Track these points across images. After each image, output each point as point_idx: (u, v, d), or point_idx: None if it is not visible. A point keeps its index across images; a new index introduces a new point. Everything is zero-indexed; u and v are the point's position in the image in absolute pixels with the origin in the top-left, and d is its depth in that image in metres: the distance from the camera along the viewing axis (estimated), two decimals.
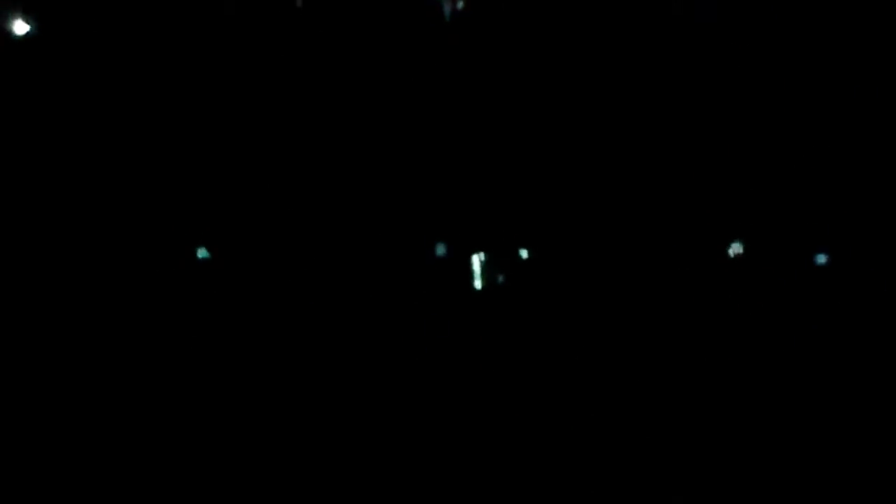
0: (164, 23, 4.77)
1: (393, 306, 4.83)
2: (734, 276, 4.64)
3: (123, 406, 4.68)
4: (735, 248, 4.60)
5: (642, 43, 4.64)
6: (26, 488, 4.51)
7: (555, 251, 4.74)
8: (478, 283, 4.86)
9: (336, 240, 4.85)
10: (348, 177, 4.81)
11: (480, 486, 4.48)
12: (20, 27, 4.78)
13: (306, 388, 4.73)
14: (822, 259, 4.52)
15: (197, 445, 4.62)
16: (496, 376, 4.70)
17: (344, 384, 4.72)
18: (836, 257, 4.54)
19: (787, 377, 4.50)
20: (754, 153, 4.64)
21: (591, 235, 4.70)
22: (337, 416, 4.67)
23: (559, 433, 4.55)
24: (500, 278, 4.81)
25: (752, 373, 4.53)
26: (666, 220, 4.64)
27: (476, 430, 4.59)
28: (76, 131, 4.83)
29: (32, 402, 4.69)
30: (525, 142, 4.71)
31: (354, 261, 4.85)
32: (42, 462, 4.56)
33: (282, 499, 4.54)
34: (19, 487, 4.50)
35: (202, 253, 4.79)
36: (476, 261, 4.86)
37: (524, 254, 4.79)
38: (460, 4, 4.60)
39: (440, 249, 4.75)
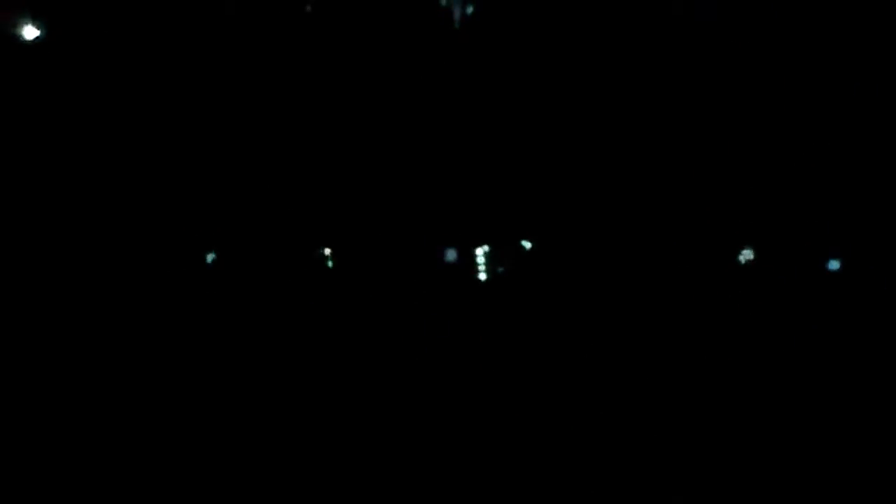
0: (172, 27, 4.80)
1: (397, 299, 4.94)
2: (736, 269, 4.69)
3: (124, 406, 4.74)
4: (746, 255, 4.66)
5: (645, 44, 4.72)
6: (26, 488, 4.56)
7: (559, 246, 4.85)
8: (482, 276, 5.00)
9: (341, 234, 4.94)
10: (355, 173, 4.89)
11: (481, 485, 4.52)
12: (30, 32, 4.77)
13: (310, 384, 4.81)
14: (834, 265, 4.56)
15: (199, 445, 4.68)
16: (499, 369, 4.78)
17: (348, 379, 4.81)
18: (847, 263, 4.56)
19: (789, 378, 4.54)
20: (762, 154, 4.70)
21: (597, 233, 4.81)
22: (341, 411, 4.75)
23: (560, 430, 4.60)
24: (504, 270, 4.93)
25: (753, 370, 4.57)
26: (667, 217, 4.71)
27: (478, 424, 4.66)
28: (85, 133, 4.86)
29: (34, 402, 4.72)
30: (532, 140, 4.80)
31: (359, 255, 4.95)
32: (42, 462, 4.61)
33: (283, 498, 4.59)
34: (19, 488, 4.54)
35: (210, 257, 4.86)
36: (480, 254, 4.99)
37: (527, 246, 4.92)
38: (469, 10, 4.68)
39: (450, 255, 4.86)
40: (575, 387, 4.69)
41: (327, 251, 4.93)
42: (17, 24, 4.75)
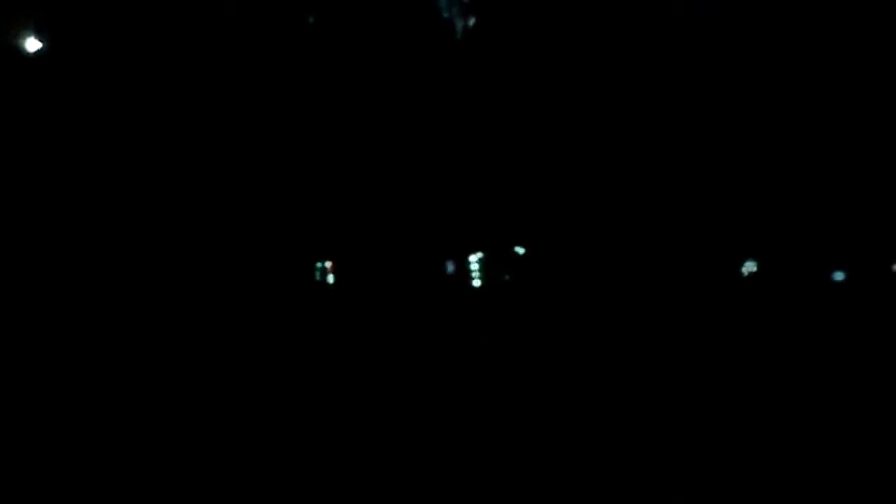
0: (175, 44, 4.81)
1: (395, 304, 5.00)
2: (740, 279, 4.77)
3: (126, 406, 4.75)
4: (749, 267, 4.73)
5: (646, 53, 4.79)
6: (26, 488, 4.53)
7: (559, 254, 4.93)
8: (477, 282, 5.09)
9: (338, 240, 5.00)
10: (355, 179, 4.95)
11: (481, 484, 4.51)
12: (32, 44, 4.77)
13: (310, 383, 4.85)
14: (839, 276, 4.61)
15: (200, 444, 4.67)
16: (496, 372, 4.84)
17: (348, 380, 4.85)
18: (852, 274, 4.61)
19: (793, 384, 4.57)
20: (766, 165, 4.77)
21: (600, 243, 4.89)
22: (342, 411, 4.77)
23: (559, 431, 4.62)
24: (501, 277, 5.03)
25: (757, 376, 4.62)
26: (668, 224, 4.84)
27: (476, 425, 4.68)
28: (88, 137, 4.86)
29: (35, 402, 4.72)
30: (534, 148, 4.89)
31: (357, 261, 5.01)
32: (42, 462, 4.58)
33: (284, 498, 4.56)
34: (19, 487, 4.53)
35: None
36: (474, 260, 5.08)
37: (524, 252, 5.01)
38: (472, 22, 4.76)
39: (450, 267, 4.94)
40: (576, 389, 4.75)
41: (328, 264, 4.98)
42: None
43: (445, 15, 4.78)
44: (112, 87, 4.83)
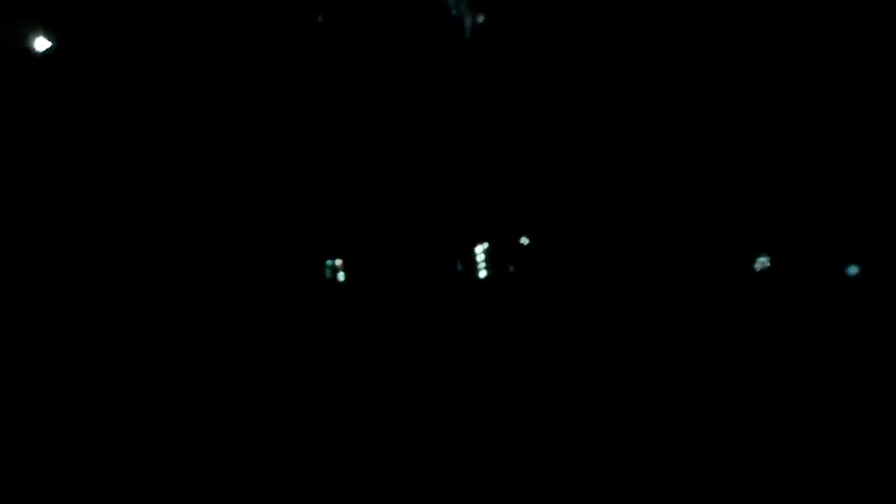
0: (183, 46, 4.82)
1: (401, 297, 5.07)
2: (752, 273, 4.82)
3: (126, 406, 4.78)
4: (762, 262, 4.78)
5: (653, 51, 4.86)
6: (26, 488, 4.56)
7: (566, 247, 5.02)
8: (482, 273, 5.17)
9: (346, 233, 5.05)
10: (363, 174, 5.00)
11: (482, 483, 4.56)
12: (41, 44, 4.76)
13: (312, 381, 4.90)
14: (853, 270, 4.65)
15: (200, 444, 4.72)
16: (499, 365, 4.90)
17: (353, 374, 4.91)
18: (866, 268, 4.64)
19: (806, 381, 4.59)
20: (778, 160, 4.83)
21: (598, 230, 5.01)
22: (345, 407, 4.83)
23: (561, 427, 4.67)
24: (506, 268, 5.11)
25: (768, 372, 4.64)
26: (676, 219, 4.90)
27: (479, 420, 4.74)
28: (95, 137, 4.87)
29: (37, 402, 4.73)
30: (546, 144, 4.96)
31: (367, 255, 5.07)
32: (42, 462, 4.62)
33: (284, 498, 4.62)
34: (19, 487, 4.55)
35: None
36: (480, 251, 5.15)
37: (528, 242, 5.10)
38: (480, 19, 4.82)
39: (457, 261, 5.01)
40: (581, 384, 4.80)
41: (338, 261, 5.03)
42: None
43: (454, 12, 4.83)
44: (118, 87, 4.82)
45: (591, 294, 5.01)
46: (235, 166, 4.96)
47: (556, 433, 4.65)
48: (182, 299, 4.92)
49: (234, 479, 4.65)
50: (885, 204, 4.72)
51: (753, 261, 4.85)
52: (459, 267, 5.15)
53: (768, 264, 4.82)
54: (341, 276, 5.08)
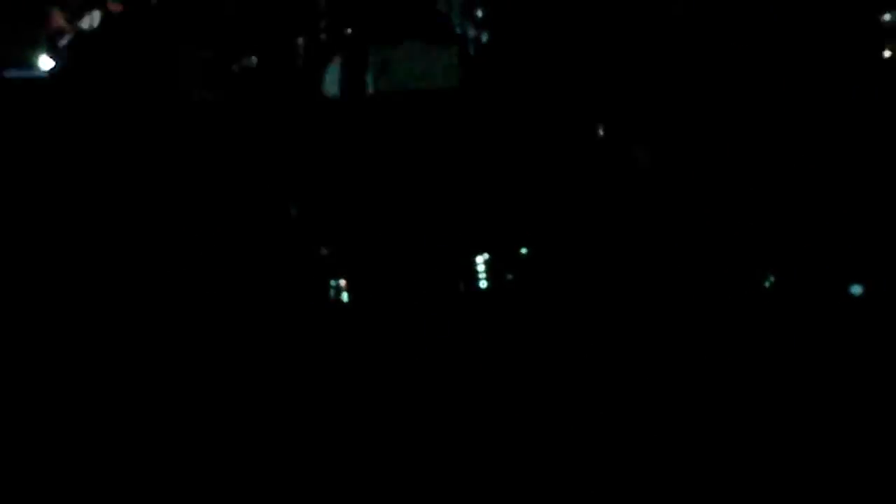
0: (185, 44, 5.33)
1: (403, 305, 5.25)
2: (760, 291, 4.83)
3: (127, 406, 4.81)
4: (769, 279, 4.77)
5: (658, 62, 5.08)
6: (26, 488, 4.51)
7: (561, 254, 5.20)
8: (483, 283, 5.37)
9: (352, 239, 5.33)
10: (367, 183, 5.30)
11: (482, 482, 4.38)
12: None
13: (312, 383, 4.89)
14: (857, 289, 4.61)
15: (199, 444, 4.61)
16: (500, 371, 4.86)
17: (354, 379, 4.88)
18: (870, 287, 4.59)
19: (812, 398, 4.48)
20: (783, 177, 4.88)
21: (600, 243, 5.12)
22: (345, 410, 4.74)
23: (561, 432, 4.55)
24: (506, 277, 5.30)
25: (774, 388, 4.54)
26: (671, 226, 4.98)
27: (479, 423, 4.62)
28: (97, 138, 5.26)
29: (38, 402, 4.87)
30: (543, 155, 5.18)
31: (376, 260, 5.32)
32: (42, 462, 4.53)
33: (284, 498, 4.45)
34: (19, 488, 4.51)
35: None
36: (480, 262, 5.37)
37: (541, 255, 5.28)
38: (484, 37, 5.27)
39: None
40: (582, 392, 4.73)
41: (342, 282, 5.25)
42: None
43: (458, 31, 5.30)
44: (118, 87, 5.24)
45: (591, 304, 5.09)
46: (237, 168, 5.25)
47: (556, 437, 4.54)
48: (184, 300, 5.09)
49: (235, 479, 4.64)
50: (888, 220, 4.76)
51: (759, 277, 4.88)
52: (461, 276, 5.34)
53: (773, 281, 4.85)
54: (343, 283, 5.29)
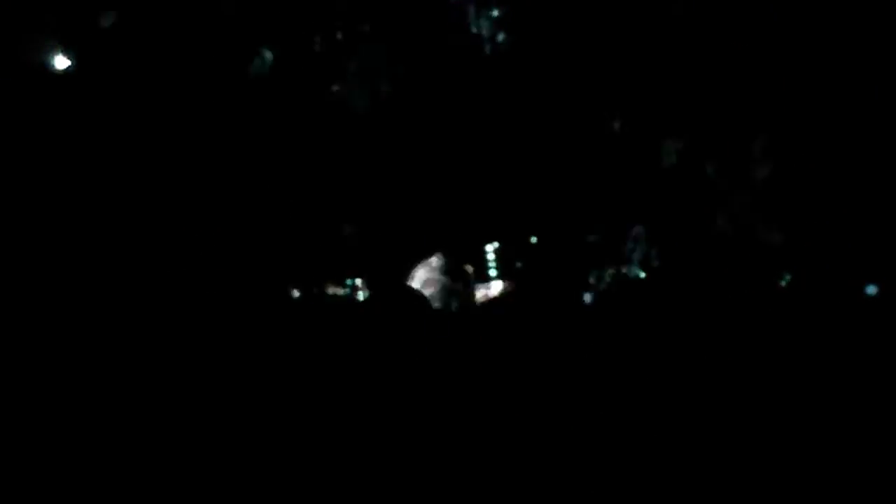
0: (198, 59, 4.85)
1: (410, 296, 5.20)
2: (775, 291, 4.94)
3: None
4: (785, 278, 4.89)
5: (672, 62, 4.94)
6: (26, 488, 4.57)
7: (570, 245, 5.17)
8: (493, 272, 5.32)
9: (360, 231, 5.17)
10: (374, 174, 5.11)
11: (483, 482, 4.50)
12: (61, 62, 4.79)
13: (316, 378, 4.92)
14: (872, 290, 4.70)
15: (199, 445, 4.67)
16: (504, 367, 4.82)
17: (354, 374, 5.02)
18: (885, 287, 4.67)
19: (826, 398, 4.56)
20: (799, 177, 4.90)
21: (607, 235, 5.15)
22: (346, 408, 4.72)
23: (565, 431, 4.62)
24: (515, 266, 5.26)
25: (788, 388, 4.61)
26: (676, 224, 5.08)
27: (483, 422, 4.65)
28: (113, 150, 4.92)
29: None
30: (558, 155, 5.09)
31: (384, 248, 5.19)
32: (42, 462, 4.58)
33: (283, 499, 4.57)
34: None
35: None
36: (490, 250, 5.29)
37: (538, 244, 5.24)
38: (500, 38, 4.88)
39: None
40: (588, 390, 4.79)
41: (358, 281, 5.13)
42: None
43: (474, 30, 4.89)
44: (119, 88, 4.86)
45: (600, 295, 5.17)
46: (239, 169, 5.01)
47: (560, 437, 4.63)
48: (187, 301, 5.01)
49: (235, 479, 4.73)
50: None
51: (775, 276, 4.94)
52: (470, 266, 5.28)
53: (788, 280, 4.91)
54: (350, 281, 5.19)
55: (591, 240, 5.18)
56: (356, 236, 5.19)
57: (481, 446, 4.56)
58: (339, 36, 4.85)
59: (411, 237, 5.17)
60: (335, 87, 4.96)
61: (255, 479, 4.58)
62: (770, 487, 4.33)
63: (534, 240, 5.35)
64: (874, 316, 4.75)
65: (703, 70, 4.99)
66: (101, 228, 4.93)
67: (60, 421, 4.67)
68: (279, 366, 4.87)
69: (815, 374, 4.66)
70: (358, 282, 5.16)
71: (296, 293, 5.17)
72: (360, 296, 5.20)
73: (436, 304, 5.07)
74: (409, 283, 5.11)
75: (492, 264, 5.35)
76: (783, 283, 4.93)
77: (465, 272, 5.22)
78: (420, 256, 5.11)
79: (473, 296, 5.22)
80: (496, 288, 5.25)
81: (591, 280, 5.20)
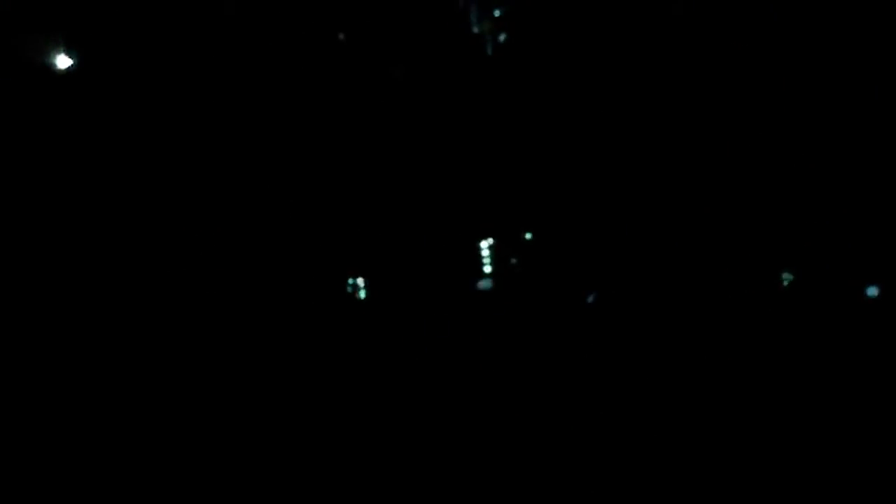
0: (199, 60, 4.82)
1: (407, 292, 5.22)
2: (775, 292, 4.89)
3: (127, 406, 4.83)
4: (786, 278, 4.81)
5: (675, 64, 4.94)
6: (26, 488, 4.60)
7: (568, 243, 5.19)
8: (487, 268, 5.33)
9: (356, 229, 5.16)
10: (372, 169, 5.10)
11: (483, 482, 4.57)
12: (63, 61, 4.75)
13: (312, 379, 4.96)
14: (873, 291, 4.69)
15: (198, 445, 4.77)
16: (503, 364, 4.98)
17: (354, 372, 4.98)
18: (886, 289, 4.66)
19: (827, 399, 4.62)
20: (801, 178, 4.88)
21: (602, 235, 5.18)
22: (346, 406, 4.88)
23: (565, 428, 4.71)
24: (511, 262, 5.27)
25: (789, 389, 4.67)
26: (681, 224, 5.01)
27: (482, 419, 4.78)
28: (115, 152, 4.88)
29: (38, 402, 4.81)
30: (557, 153, 5.07)
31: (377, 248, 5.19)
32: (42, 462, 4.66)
33: (283, 499, 4.63)
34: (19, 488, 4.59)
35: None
36: (485, 246, 5.30)
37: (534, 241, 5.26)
38: (502, 38, 4.87)
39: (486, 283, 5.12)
40: (586, 387, 4.86)
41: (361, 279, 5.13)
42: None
43: (476, 30, 4.88)
44: (120, 88, 4.83)
45: (598, 293, 5.17)
46: (240, 170, 5.00)
47: (560, 434, 4.74)
48: (188, 302, 5.00)
49: (235, 479, 4.70)
50: None
51: (773, 276, 4.93)
52: (464, 262, 5.29)
53: (790, 280, 4.90)
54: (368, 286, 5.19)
55: (589, 238, 5.19)
56: (356, 236, 5.18)
57: (481, 446, 4.68)
58: (339, 36, 4.82)
59: (411, 237, 5.18)
60: (334, 88, 4.93)
61: (256, 479, 4.62)
62: (770, 487, 4.44)
63: (528, 236, 5.36)
64: (875, 317, 4.78)
65: (703, 70, 4.99)
66: (102, 228, 4.89)
67: (60, 421, 4.68)
68: (279, 366, 4.90)
69: (815, 374, 4.72)
70: (359, 280, 5.16)
71: (295, 294, 5.16)
72: (360, 296, 5.20)
73: (435, 304, 5.12)
74: (408, 284, 5.16)
75: (486, 261, 5.37)
76: (784, 284, 4.94)
77: (464, 269, 5.26)
78: (419, 255, 5.13)
79: (471, 294, 5.26)
80: (492, 285, 5.27)
81: (591, 279, 5.22)
